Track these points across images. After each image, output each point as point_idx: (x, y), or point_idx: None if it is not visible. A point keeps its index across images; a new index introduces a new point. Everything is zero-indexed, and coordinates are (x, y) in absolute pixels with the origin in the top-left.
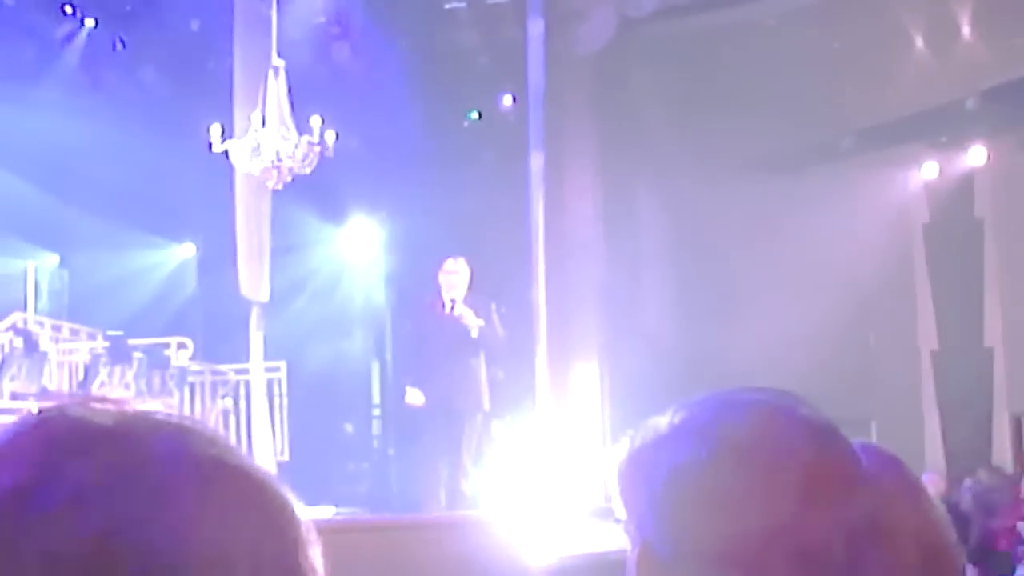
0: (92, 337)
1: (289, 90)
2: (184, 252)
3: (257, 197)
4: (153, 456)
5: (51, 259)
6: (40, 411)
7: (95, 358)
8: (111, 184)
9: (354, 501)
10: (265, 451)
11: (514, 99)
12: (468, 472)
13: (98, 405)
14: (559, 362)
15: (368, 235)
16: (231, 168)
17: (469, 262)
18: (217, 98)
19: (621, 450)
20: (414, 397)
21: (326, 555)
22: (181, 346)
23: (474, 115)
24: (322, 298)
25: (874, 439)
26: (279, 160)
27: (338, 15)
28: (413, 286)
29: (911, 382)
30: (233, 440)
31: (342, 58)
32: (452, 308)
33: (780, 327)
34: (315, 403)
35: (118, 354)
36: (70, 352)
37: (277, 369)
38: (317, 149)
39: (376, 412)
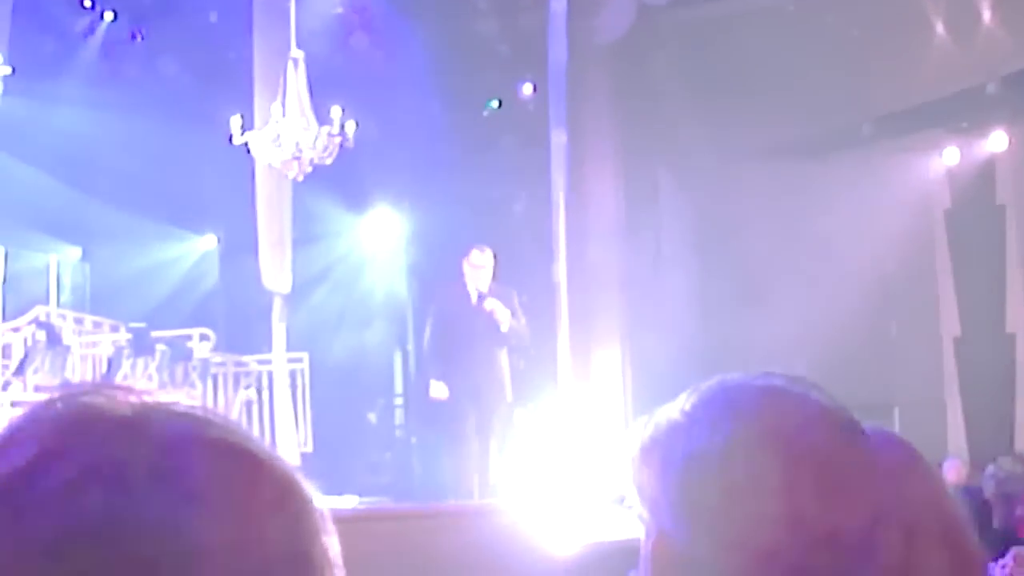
0: (115, 330)
1: (308, 81)
2: (206, 244)
3: (278, 188)
4: (162, 441)
5: (73, 252)
6: (55, 396)
7: (118, 350)
8: (132, 177)
9: (377, 491)
10: (288, 442)
11: (534, 87)
12: (495, 461)
13: (115, 393)
14: (581, 349)
15: (389, 224)
16: (252, 159)
17: (492, 251)
18: (237, 89)
19: (633, 438)
20: (438, 391)
21: (350, 544)
22: (204, 338)
23: (494, 103)
24: (344, 288)
25: (896, 425)
26: (299, 151)
27: (356, 5)
28: (435, 275)
29: (933, 368)
30: (256, 431)
31: (361, 48)
32: (480, 300)
33: (802, 313)
34: (338, 393)
35: (141, 346)
36: (93, 345)
37: (300, 360)
38: (337, 139)
39: (398, 402)
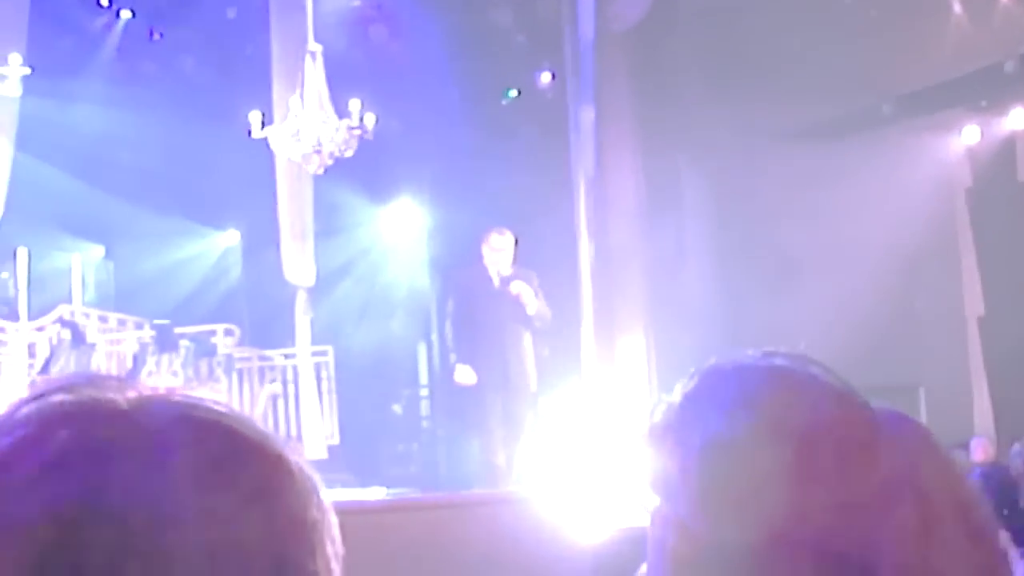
0: (139, 327)
1: (326, 74)
2: (228, 239)
3: (299, 182)
4: (149, 424)
5: (96, 251)
6: (48, 384)
7: (142, 347)
8: (153, 174)
9: (404, 482)
10: (315, 435)
11: (552, 75)
12: (521, 449)
13: (108, 382)
14: (605, 336)
15: (410, 215)
16: (272, 154)
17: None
18: (256, 85)
19: (643, 425)
20: (464, 375)
21: (379, 534)
22: (228, 332)
23: (512, 93)
24: (367, 280)
25: (922, 406)
26: (319, 145)
27: None
28: (456, 264)
29: (958, 348)
30: (283, 425)
31: (378, 40)
32: (503, 283)
33: (826, 296)
34: (363, 386)
35: (165, 343)
36: (117, 342)
37: (324, 353)
38: (357, 132)
39: (424, 393)
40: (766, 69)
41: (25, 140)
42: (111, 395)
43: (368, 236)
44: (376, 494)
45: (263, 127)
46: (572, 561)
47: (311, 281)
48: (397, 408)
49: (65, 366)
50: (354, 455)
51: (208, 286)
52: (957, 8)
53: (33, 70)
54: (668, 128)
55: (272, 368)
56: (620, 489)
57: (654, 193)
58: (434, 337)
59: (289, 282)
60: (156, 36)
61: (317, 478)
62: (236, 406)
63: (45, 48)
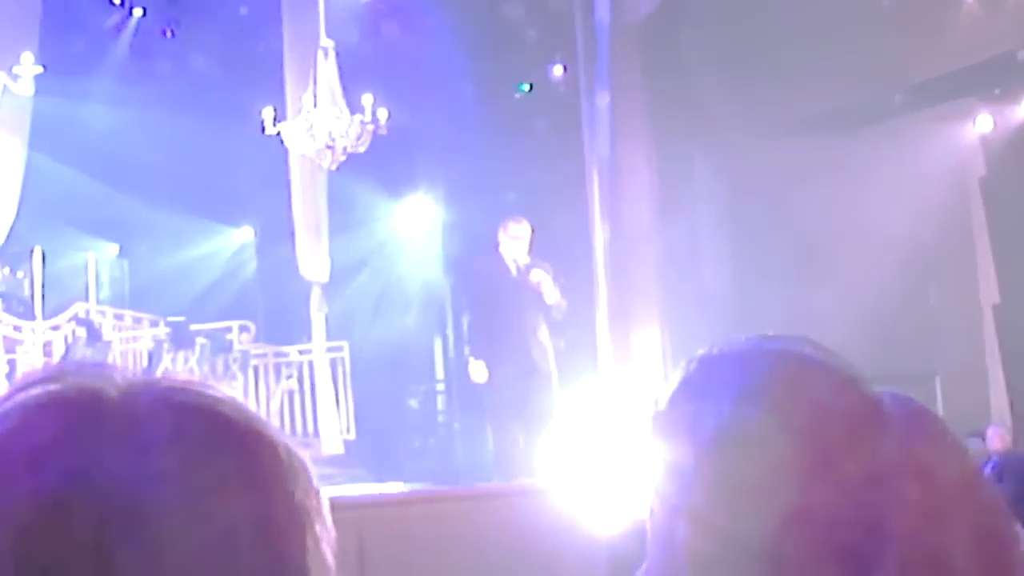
0: (154, 324)
1: (339, 70)
2: (242, 236)
3: (312, 178)
4: (133, 411)
5: (110, 249)
6: (35, 375)
7: (158, 345)
8: (167, 172)
9: (421, 476)
10: (331, 430)
11: (564, 68)
12: (539, 440)
13: (103, 371)
14: (620, 329)
15: (424, 210)
16: (285, 150)
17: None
18: (268, 81)
19: (649, 412)
20: (478, 373)
21: (398, 526)
22: (243, 329)
23: (525, 87)
24: (382, 275)
25: (938, 394)
26: (332, 140)
27: None
28: (470, 257)
29: (974, 336)
30: (299, 421)
31: (391, 36)
32: (521, 272)
33: (840, 286)
34: (379, 381)
35: (181, 340)
36: (133, 340)
37: (340, 349)
38: (370, 128)
39: (440, 387)
40: (779, 59)
41: (38, 139)
42: (98, 383)
43: (383, 231)
44: (394, 488)
45: (276, 123)
46: (588, 553)
47: (326, 277)
48: (413, 403)
49: None
50: (370, 450)
51: (223, 283)
52: None
53: (45, 69)
54: (680, 120)
55: (288, 364)
56: (636, 481)
57: (667, 185)
58: (449, 331)
59: (304, 278)
60: (168, 34)
61: (308, 461)
62: (252, 403)
63: (57, 47)
